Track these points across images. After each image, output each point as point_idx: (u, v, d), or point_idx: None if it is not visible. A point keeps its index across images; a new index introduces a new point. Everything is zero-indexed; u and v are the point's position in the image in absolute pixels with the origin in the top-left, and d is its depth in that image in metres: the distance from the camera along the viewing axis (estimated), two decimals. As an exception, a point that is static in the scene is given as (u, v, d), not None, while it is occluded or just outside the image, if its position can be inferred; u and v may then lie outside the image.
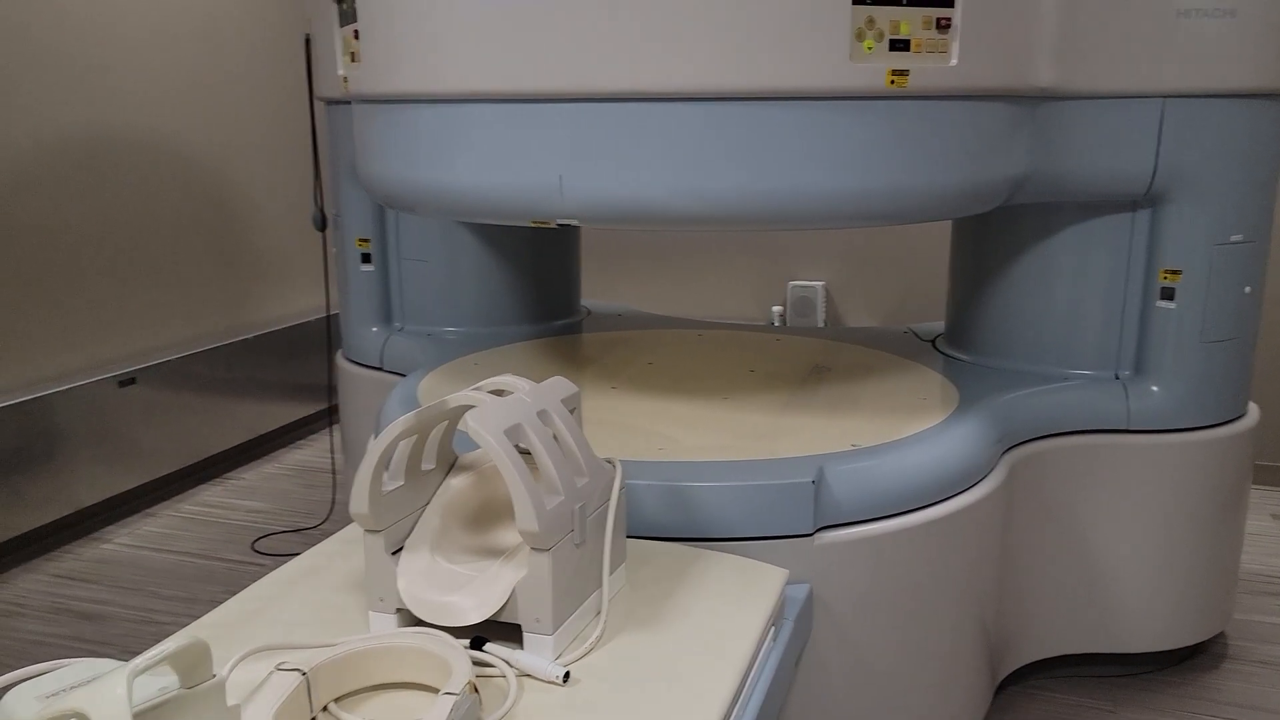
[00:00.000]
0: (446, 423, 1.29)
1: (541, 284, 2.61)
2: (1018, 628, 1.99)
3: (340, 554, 1.46)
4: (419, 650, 1.08)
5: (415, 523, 1.26)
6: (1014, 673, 2.08)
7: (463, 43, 1.44)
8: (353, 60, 1.69)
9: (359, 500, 1.16)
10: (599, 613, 1.26)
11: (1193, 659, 2.20)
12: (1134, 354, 2.02)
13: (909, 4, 1.41)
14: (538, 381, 1.29)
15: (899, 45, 1.42)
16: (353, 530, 1.55)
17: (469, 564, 1.24)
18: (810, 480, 1.48)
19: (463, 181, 1.52)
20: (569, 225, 1.52)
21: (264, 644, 1.07)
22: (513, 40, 1.42)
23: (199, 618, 2.41)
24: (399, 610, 1.21)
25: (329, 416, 3.88)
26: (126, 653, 2.28)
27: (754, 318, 3.61)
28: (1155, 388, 1.98)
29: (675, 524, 1.49)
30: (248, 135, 3.51)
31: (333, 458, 3.13)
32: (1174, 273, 1.94)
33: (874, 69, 1.41)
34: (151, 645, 2.32)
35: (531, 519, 1.10)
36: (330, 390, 3.83)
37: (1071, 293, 2.03)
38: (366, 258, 2.53)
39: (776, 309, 3.53)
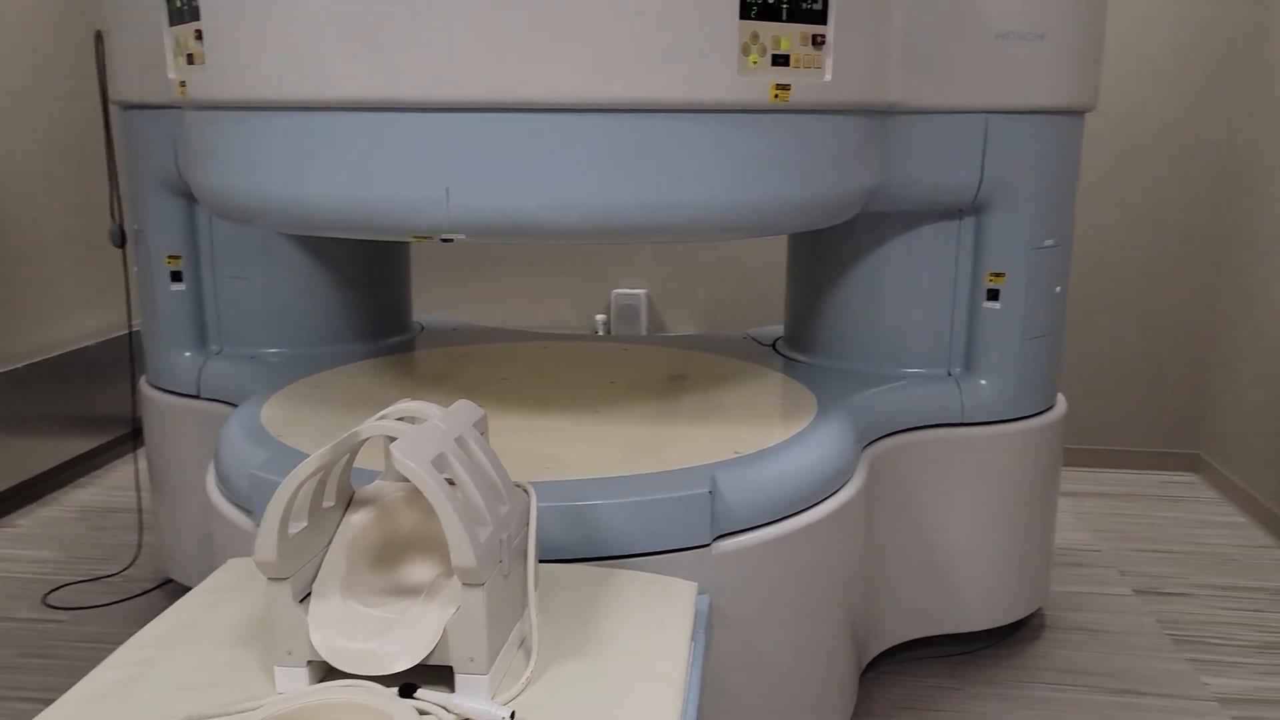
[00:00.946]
0: (348, 456, 1.19)
1: (373, 299, 2.49)
2: (876, 616, 2.09)
3: (212, 605, 1.33)
4: (356, 706, 1.00)
5: (319, 566, 1.16)
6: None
7: (343, 46, 1.34)
8: (190, 62, 1.53)
9: (266, 547, 1.06)
10: (522, 645, 1.21)
11: (1018, 632, 2.38)
12: (964, 352, 2.16)
13: (788, 20, 1.44)
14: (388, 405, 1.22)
15: (780, 60, 1.45)
16: (220, 577, 1.41)
17: (384, 606, 1.16)
18: (707, 490, 1.48)
19: (336, 194, 1.42)
20: (451, 239, 1.45)
21: (184, 717, 0.95)
22: (398, 45, 1.34)
23: (15, 691, 2.13)
24: (310, 663, 1.11)
25: (133, 446, 3.53)
26: (-93, 737, 1.97)
27: (578, 327, 3.59)
28: (984, 382, 2.13)
29: (575, 545, 1.45)
30: (14, 144, 3.13)
31: (138, 495, 2.83)
32: (998, 275, 2.09)
33: (759, 83, 1.43)
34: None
35: (469, 554, 1.04)
36: (132, 420, 3.48)
37: (906, 296, 2.15)
38: (177, 276, 2.31)
39: (600, 317, 3.54)
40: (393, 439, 1.24)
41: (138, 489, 2.91)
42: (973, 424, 2.12)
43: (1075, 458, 3.55)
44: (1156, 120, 3.25)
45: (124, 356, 3.52)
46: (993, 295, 2.10)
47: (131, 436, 3.53)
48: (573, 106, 1.36)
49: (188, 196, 2.25)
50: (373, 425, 1.13)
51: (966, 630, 2.20)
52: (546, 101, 1.35)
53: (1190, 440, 3.49)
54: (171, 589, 2.60)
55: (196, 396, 2.31)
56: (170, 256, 2.30)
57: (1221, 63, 3.18)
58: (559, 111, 1.37)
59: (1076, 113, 2.08)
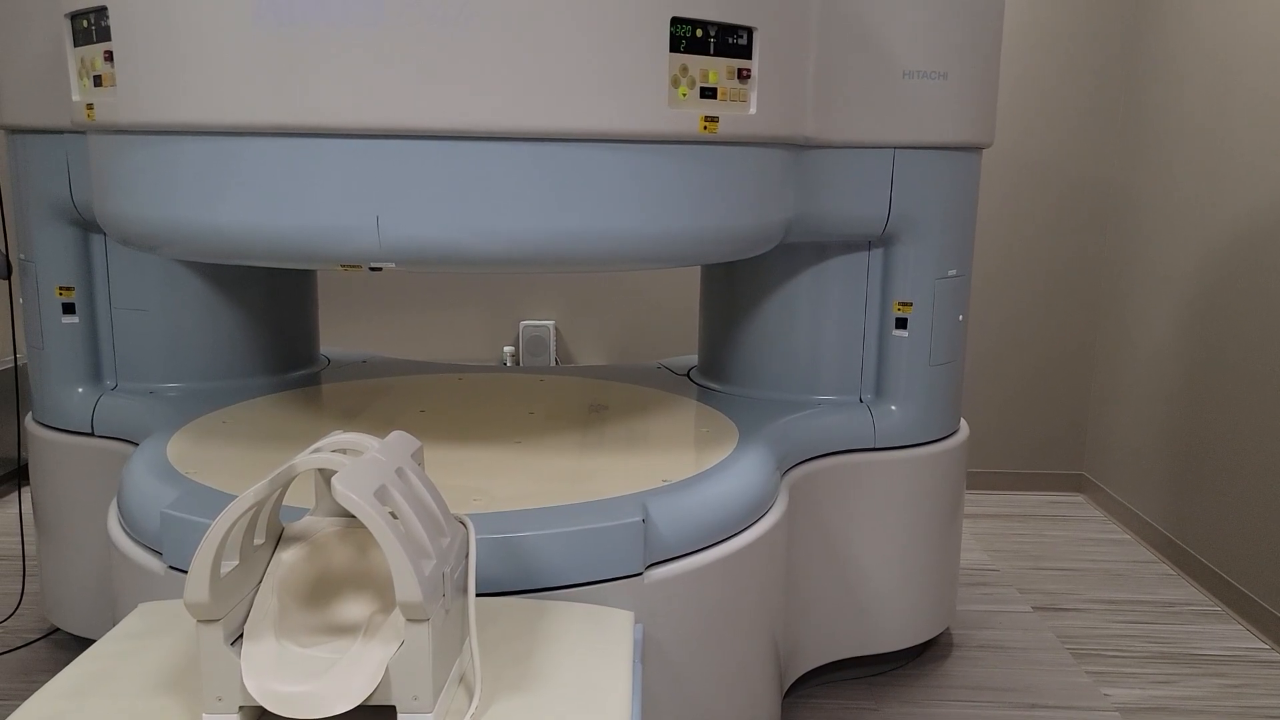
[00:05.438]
0: (280, 491, 1.15)
1: (279, 331, 2.42)
2: (796, 640, 2.11)
3: (127, 653, 1.26)
4: (299, 751, 0.96)
5: (249, 606, 1.12)
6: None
7: (268, 70, 1.31)
8: (98, 85, 1.47)
9: (198, 587, 1.01)
10: (462, 681, 1.18)
11: (929, 650, 2.44)
12: (875, 379, 2.22)
13: (715, 54, 1.47)
14: (315, 440, 1.19)
15: (708, 93, 1.48)
16: (133, 622, 1.34)
17: (320, 646, 1.12)
18: (640, 519, 1.48)
19: (257, 221, 1.37)
20: (380, 269, 1.42)
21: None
22: (325, 70, 1.31)
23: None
24: (241, 709, 1.06)
25: (17, 487, 3.31)
26: None
27: (485, 358, 3.56)
28: (894, 408, 2.19)
29: (508, 577, 1.43)
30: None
31: (22, 540, 2.66)
32: (906, 304, 2.16)
33: (689, 115, 1.45)
34: None
35: (415, 589, 1.01)
36: (17, 460, 3.27)
37: (818, 325, 2.20)
38: (69, 308, 2.20)
39: (508, 349, 3.51)
40: (328, 472, 1.21)
41: (21, 534, 2.75)
42: (884, 449, 2.17)
43: (969, 480, 3.67)
44: (1038, 158, 3.43)
45: (9, 393, 3.32)
46: (901, 324, 2.17)
47: (15, 477, 3.32)
48: (509, 135, 1.36)
49: (81, 225, 2.16)
50: (309, 458, 1.09)
51: (882, 651, 2.24)
52: (482, 130, 1.35)
53: (1074, 462, 3.65)
54: (58, 639, 2.45)
55: (90, 434, 2.20)
56: (62, 288, 2.19)
57: (1096, 107, 3.38)
58: (495, 140, 1.36)
59: (976, 148, 2.17)
